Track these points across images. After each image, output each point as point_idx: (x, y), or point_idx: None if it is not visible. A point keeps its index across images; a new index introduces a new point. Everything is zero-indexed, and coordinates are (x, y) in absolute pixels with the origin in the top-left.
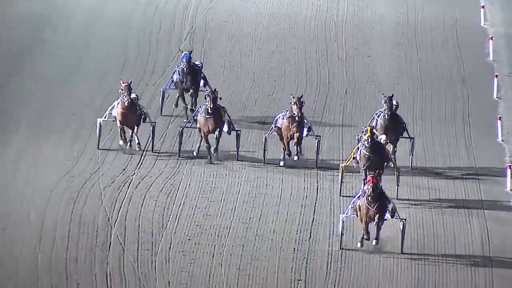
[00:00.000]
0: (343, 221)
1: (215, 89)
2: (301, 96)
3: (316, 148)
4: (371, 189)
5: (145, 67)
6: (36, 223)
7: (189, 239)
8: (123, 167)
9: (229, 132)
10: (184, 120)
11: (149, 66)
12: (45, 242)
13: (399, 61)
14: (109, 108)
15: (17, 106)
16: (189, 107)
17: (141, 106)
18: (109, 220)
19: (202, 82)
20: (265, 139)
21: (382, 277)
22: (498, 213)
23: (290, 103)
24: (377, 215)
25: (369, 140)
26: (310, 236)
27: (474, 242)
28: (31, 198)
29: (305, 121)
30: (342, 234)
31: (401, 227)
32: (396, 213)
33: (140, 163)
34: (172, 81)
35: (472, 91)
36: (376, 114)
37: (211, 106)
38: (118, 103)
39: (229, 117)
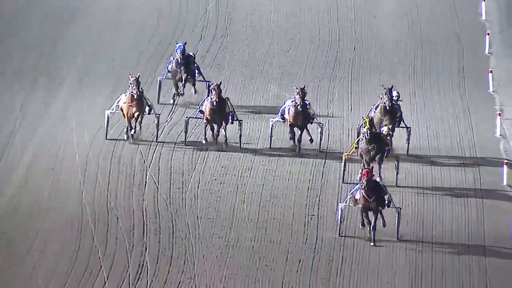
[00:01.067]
0: (341, 210)
1: (220, 83)
2: (304, 87)
3: (320, 134)
4: (365, 183)
5: (176, 25)
6: (81, 163)
7: (215, 179)
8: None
9: (231, 122)
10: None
11: (179, 23)
12: (88, 180)
13: (402, 21)
14: (116, 100)
15: (63, 65)
16: (178, 94)
17: (147, 99)
18: (144, 162)
19: (196, 71)
20: (272, 126)
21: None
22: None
23: (294, 93)
24: (375, 206)
25: (368, 133)
26: (322, 177)
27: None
28: (76, 142)
29: (310, 110)
30: (340, 222)
31: (396, 215)
32: (392, 203)
33: (171, 112)
34: (168, 71)
35: (466, 48)
36: (374, 105)
37: (217, 100)
38: (125, 96)
39: (233, 107)
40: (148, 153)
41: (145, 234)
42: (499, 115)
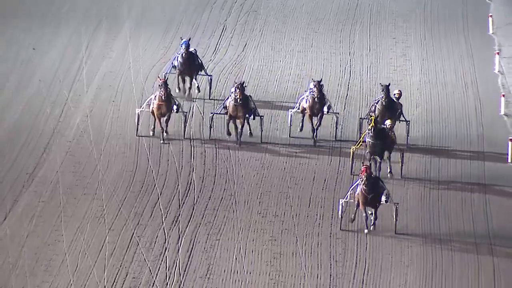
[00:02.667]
0: (342, 205)
1: (243, 82)
2: (321, 80)
3: (335, 124)
4: (365, 179)
5: None
6: (137, 96)
7: None
8: (202, 55)
9: (253, 118)
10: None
11: None
12: (144, 110)
13: None
14: (146, 100)
15: (123, 11)
16: (183, 86)
17: (175, 99)
18: (192, 98)
19: (199, 66)
20: (291, 116)
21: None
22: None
23: (311, 85)
24: (374, 202)
25: (373, 129)
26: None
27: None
28: (133, 78)
29: (326, 100)
30: (341, 217)
31: (394, 210)
32: (390, 198)
33: (215, 50)
34: (173, 66)
35: None
36: (376, 101)
37: (240, 97)
38: (155, 97)
39: (254, 104)
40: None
41: (192, 156)
42: (498, 54)
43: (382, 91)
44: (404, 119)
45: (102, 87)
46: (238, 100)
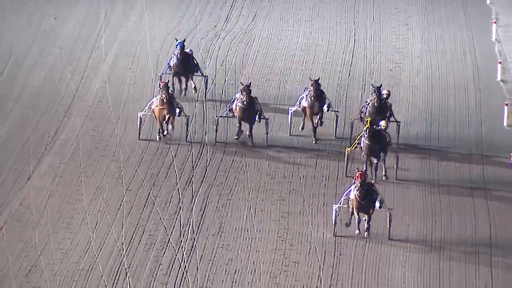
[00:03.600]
0: (336, 211)
1: (249, 84)
2: (318, 79)
3: (334, 122)
4: (359, 185)
5: None
6: (153, 63)
7: (262, 77)
8: (214, 25)
9: (259, 120)
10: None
11: None
12: (161, 66)
13: None
14: (148, 103)
15: None
16: (180, 88)
17: (177, 102)
18: (204, 62)
19: (195, 67)
20: (291, 114)
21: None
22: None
23: (309, 85)
24: (367, 208)
25: (369, 131)
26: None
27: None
28: (149, 46)
29: (326, 99)
30: (335, 222)
31: (388, 216)
32: (383, 204)
33: (226, 20)
34: (169, 66)
35: None
36: (366, 102)
37: (247, 100)
38: (156, 99)
39: (260, 107)
40: (207, 54)
41: (205, 121)
42: (495, 23)
43: (374, 92)
44: (394, 120)
45: (120, 54)
46: (245, 102)
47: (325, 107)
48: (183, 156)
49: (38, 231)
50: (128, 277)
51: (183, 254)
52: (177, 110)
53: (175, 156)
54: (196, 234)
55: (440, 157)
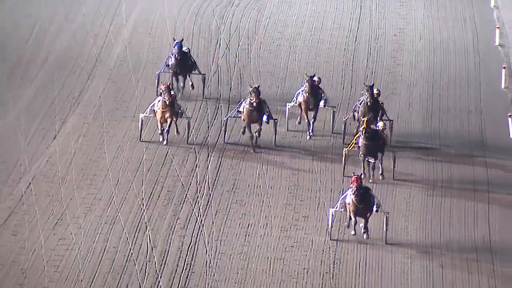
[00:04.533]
0: (332, 215)
1: (258, 86)
2: (314, 75)
3: (332, 117)
4: (355, 189)
5: None
6: (170, 29)
7: (273, 42)
8: None
9: (267, 122)
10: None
11: None
12: (178, 31)
13: None
14: (150, 105)
15: None
16: (178, 86)
17: (179, 104)
18: (219, 28)
19: (192, 66)
20: (288, 109)
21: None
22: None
23: (304, 81)
24: (364, 212)
25: (366, 131)
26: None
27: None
28: (167, 13)
29: (322, 94)
30: (331, 227)
31: (385, 220)
32: (380, 208)
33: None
34: (167, 65)
35: None
36: (359, 101)
37: (256, 101)
38: (158, 101)
39: (268, 108)
40: (222, 19)
41: (220, 83)
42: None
43: (367, 91)
44: (387, 118)
45: (139, 21)
46: (254, 104)
47: (321, 103)
48: (199, 118)
49: (63, 187)
50: (148, 230)
51: (199, 209)
52: (179, 112)
53: (191, 118)
54: (212, 190)
55: (442, 121)
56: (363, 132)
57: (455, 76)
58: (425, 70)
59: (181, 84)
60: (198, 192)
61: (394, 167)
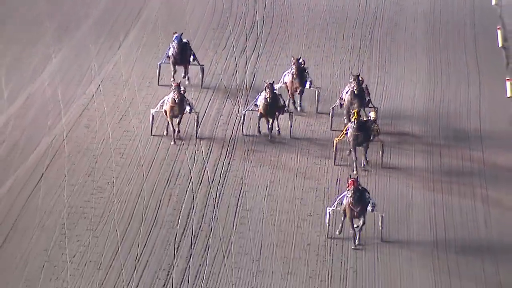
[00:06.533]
0: (329, 214)
1: (273, 81)
2: (300, 57)
3: (316, 98)
4: (351, 193)
5: None
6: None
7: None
8: None
9: (283, 113)
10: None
11: None
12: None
13: None
14: (160, 101)
15: None
16: (173, 79)
17: (188, 100)
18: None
19: (191, 57)
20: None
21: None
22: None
23: (291, 63)
24: (360, 214)
25: (356, 122)
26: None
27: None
28: None
29: (307, 76)
30: (328, 226)
31: (380, 219)
32: (375, 208)
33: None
34: (167, 56)
35: None
36: (345, 91)
37: (270, 96)
38: (168, 99)
39: (284, 101)
40: None
41: (256, 1)
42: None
43: (354, 80)
44: (372, 106)
45: None
46: (268, 99)
47: (307, 84)
48: (238, 30)
49: (126, 89)
50: (198, 129)
51: (239, 106)
52: (188, 108)
53: (232, 31)
54: (249, 91)
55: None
56: (354, 122)
57: (453, 32)
58: (427, 32)
59: (183, 75)
60: (237, 92)
61: (382, 155)
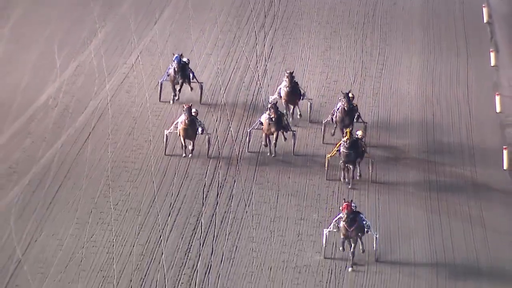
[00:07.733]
0: (326, 235)
1: (276, 102)
2: (292, 72)
3: (309, 109)
4: (345, 216)
5: None
6: None
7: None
8: None
9: (286, 132)
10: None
11: None
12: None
13: None
14: (174, 123)
15: None
16: (175, 97)
17: (199, 121)
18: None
19: (191, 75)
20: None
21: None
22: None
23: (284, 77)
24: (355, 235)
25: (348, 141)
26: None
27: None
28: None
29: (300, 89)
30: (325, 246)
31: (374, 240)
32: (370, 230)
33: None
34: (168, 75)
35: None
36: (337, 108)
37: (274, 116)
38: (181, 121)
39: (287, 121)
40: None
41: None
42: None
43: (344, 98)
44: (362, 121)
45: None
46: (272, 118)
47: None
48: (258, 8)
49: (162, 59)
50: (223, 94)
51: (258, 76)
52: (200, 129)
53: (252, 9)
54: (268, 61)
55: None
56: (346, 141)
57: (447, 18)
58: (420, 12)
59: (177, 95)
60: (257, 63)
61: (371, 171)
